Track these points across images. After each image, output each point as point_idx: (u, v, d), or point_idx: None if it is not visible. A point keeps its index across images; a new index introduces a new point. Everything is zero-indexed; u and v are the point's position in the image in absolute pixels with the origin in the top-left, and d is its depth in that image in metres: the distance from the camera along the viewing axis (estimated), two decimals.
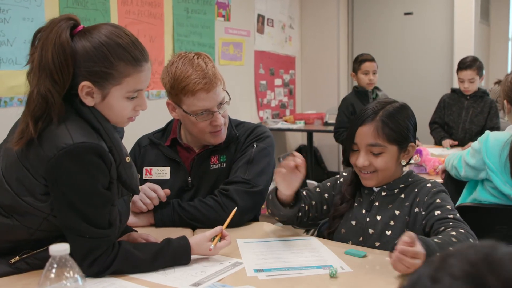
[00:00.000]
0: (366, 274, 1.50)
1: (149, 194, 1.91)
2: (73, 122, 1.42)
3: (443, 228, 1.55)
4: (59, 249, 1.03)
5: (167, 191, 1.94)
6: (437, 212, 1.63)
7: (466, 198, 2.49)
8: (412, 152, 1.77)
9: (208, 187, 2.05)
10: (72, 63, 1.39)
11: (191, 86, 1.90)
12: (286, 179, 1.71)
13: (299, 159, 1.67)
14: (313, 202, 1.92)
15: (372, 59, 4.49)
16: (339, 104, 4.65)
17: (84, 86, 1.42)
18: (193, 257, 1.60)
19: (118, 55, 1.43)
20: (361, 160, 1.73)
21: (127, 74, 1.45)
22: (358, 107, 4.30)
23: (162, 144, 2.12)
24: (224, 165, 2.08)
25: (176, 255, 1.56)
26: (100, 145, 1.42)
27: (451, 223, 1.57)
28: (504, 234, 2.29)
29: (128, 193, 1.62)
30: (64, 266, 1.03)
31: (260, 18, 5.72)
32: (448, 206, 1.65)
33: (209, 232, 1.63)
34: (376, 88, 4.55)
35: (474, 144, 2.38)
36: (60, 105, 1.40)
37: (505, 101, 2.40)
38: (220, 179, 2.05)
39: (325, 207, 1.93)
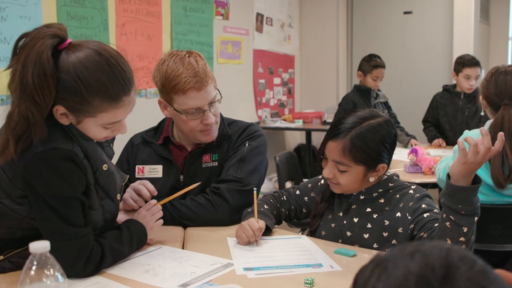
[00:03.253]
0: (355, 273, 1.50)
1: (138, 190, 1.91)
2: (48, 129, 1.39)
3: (437, 224, 1.56)
4: (39, 247, 1.02)
5: (155, 192, 1.93)
6: (426, 215, 1.64)
7: None
8: (382, 171, 1.74)
9: (200, 185, 2.04)
10: (53, 84, 1.33)
11: (182, 84, 1.90)
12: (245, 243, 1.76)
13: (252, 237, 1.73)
14: (292, 207, 1.99)
15: (384, 66, 4.52)
16: (340, 101, 4.64)
17: (59, 109, 1.39)
18: (184, 258, 1.62)
19: (95, 91, 1.37)
20: (326, 171, 1.75)
21: (102, 109, 1.41)
22: (360, 105, 4.30)
23: (154, 143, 2.12)
24: (216, 164, 2.08)
25: (140, 239, 1.67)
26: (73, 151, 1.41)
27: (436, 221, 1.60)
28: (498, 234, 2.29)
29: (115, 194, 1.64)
30: (44, 264, 1.02)
31: (259, 17, 5.72)
32: (435, 210, 1.66)
33: (144, 207, 1.77)
34: None
35: (455, 148, 2.39)
36: (41, 126, 1.36)
37: (481, 97, 2.42)
38: (212, 178, 2.05)
39: (304, 210, 1.98)
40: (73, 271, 1.44)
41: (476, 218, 1.48)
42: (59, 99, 1.37)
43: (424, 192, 1.73)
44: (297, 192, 1.99)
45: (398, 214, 1.70)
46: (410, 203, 1.69)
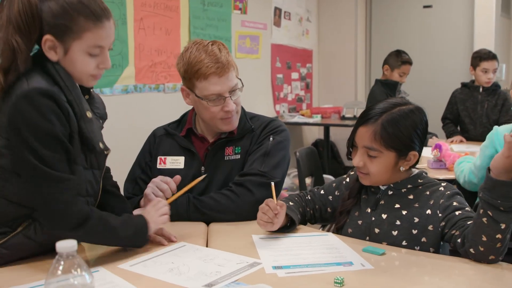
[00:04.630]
0: (386, 271, 1.46)
1: (160, 186, 1.89)
2: (34, 74, 1.46)
3: (470, 222, 1.52)
4: (66, 246, 1.00)
5: (178, 177, 1.92)
6: (458, 212, 1.60)
7: None
8: (413, 160, 1.70)
9: (222, 178, 2.04)
10: (37, 11, 1.44)
11: (204, 70, 1.92)
12: (268, 225, 1.72)
13: (273, 211, 1.69)
14: (317, 206, 1.95)
15: (412, 63, 4.56)
16: (368, 97, 4.63)
17: (47, 40, 1.47)
18: (209, 256, 1.59)
19: (78, 9, 1.47)
20: (356, 159, 1.72)
21: (86, 28, 1.48)
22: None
23: (177, 134, 2.13)
24: (239, 157, 2.07)
25: (138, 228, 1.61)
26: (55, 91, 1.46)
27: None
28: None
29: (99, 168, 1.64)
30: (71, 264, 1.00)
31: (277, 11, 5.67)
32: (467, 208, 1.62)
33: (151, 203, 1.76)
34: None
35: (482, 144, 2.35)
36: (26, 54, 1.45)
37: (511, 91, 2.39)
38: (235, 171, 2.05)
39: (329, 209, 1.94)
40: (55, 221, 1.44)
41: None
42: (46, 28, 1.46)
43: (454, 189, 1.69)
44: (322, 191, 1.96)
45: (428, 211, 1.66)
46: (441, 200, 1.64)
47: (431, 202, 1.67)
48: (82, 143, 1.54)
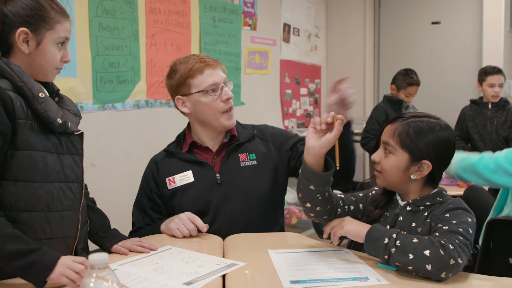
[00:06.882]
0: (402, 286, 1.47)
1: (187, 226, 1.94)
2: None
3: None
4: (99, 258, 1.01)
5: (205, 226, 1.95)
6: (439, 225, 1.59)
7: (498, 212, 2.44)
8: (426, 171, 1.68)
9: (240, 184, 2.07)
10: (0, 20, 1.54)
11: (197, 66, 2.05)
12: (315, 135, 1.66)
13: (330, 118, 1.62)
14: (352, 207, 1.88)
15: (419, 83, 4.54)
16: (371, 111, 4.62)
17: (22, 32, 1.55)
18: (190, 258, 1.70)
19: (50, 4, 1.61)
20: (374, 154, 1.76)
21: (57, 20, 1.61)
22: (391, 116, 4.27)
23: (179, 152, 2.14)
24: (256, 162, 2.12)
25: (35, 266, 1.41)
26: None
27: (443, 233, 1.54)
28: None
29: (77, 153, 1.68)
30: (103, 276, 1.01)
31: (286, 27, 5.72)
32: (453, 221, 1.57)
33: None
34: None
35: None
36: None
37: None
38: (252, 176, 2.09)
39: (359, 216, 1.90)
40: None
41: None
42: (19, 24, 1.55)
43: (459, 204, 1.66)
44: (352, 198, 1.90)
45: (433, 224, 1.65)
46: (439, 212, 1.64)
47: (433, 215, 1.67)
48: (42, 124, 1.58)
